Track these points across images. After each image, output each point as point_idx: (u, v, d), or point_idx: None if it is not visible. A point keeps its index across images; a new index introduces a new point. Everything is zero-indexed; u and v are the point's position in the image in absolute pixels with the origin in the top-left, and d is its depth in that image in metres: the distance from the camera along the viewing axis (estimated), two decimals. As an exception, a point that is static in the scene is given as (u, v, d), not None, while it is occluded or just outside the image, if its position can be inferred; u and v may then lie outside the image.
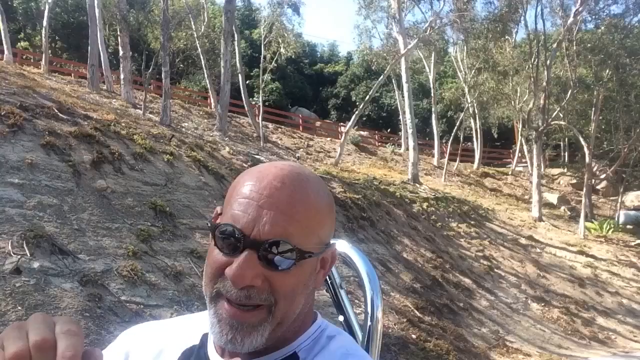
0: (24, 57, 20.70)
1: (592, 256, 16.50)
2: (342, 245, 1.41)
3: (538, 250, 15.90)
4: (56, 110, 8.41)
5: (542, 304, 12.76)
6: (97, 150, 7.83)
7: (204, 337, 0.80)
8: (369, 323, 1.35)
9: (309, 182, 0.72)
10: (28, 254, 5.22)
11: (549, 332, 11.52)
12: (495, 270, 13.46)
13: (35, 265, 5.19)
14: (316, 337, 0.77)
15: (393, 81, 27.23)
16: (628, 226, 20.25)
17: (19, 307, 4.63)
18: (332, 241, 1.39)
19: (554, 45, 20.71)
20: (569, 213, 20.99)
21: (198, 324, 0.83)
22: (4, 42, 15.91)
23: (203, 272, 0.75)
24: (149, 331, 0.87)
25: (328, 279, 1.46)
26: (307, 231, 0.69)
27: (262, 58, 19.87)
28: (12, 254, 5.12)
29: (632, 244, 18.31)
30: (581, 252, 16.49)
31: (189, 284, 6.47)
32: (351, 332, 1.46)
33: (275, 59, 20.50)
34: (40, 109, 8.17)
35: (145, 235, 6.76)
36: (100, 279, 5.50)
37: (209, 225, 0.75)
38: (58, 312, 4.82)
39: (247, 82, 21.48)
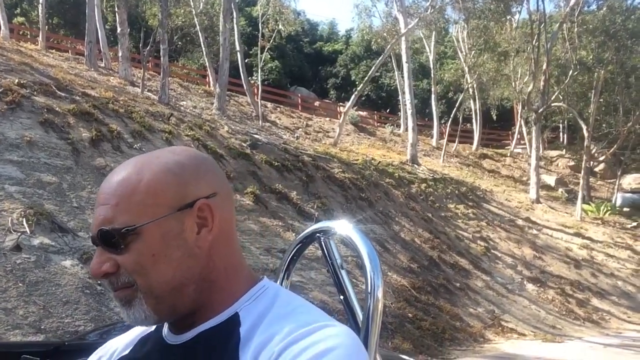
0: (21, 32, 20.49)
1: (589, 238, 16.60)
2: (343, 226, 1.42)
3: (535, 231, 15.99)
4: (54, 88, 8.36)
5: (538, 285, 12.88)
6: (96, 128, 7.82)
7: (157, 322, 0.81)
8: (369, 302, 1.37)
9: (131, 165, 0.76)
10: (28, 231, 5.25)
11: (543, 312, 11.65)
12: (492, 251, 13.55)
13: (36, 242, 5.22)
14: (258, 296, 0.77)
15: (393, 61, 27.04)
16: (625, 209, 20.32)
17: (20, 284, 4.67)
18: (328, 224, 1.37)
19: (556, 27, 20.54)
20: (566, 195, 21.04)
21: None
22: (0, 17, 15.73)
23: None
24: (119, 338, 0.89)
25: (329, 259, 1.49)
26: (126, 210, 0.72)
27: (260, 36, 19.70)
28: (12, 231, 5.15)
29: (629, 226, 18.42)
30: (578, 234, 16.59)
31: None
32: (351, 310, 1.49)
33: (273, 37, 20.32)
34: (38, 86, 8.13)
35: (144, 214, 6.78)
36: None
37: None
38: (58, 289, 4.86)
39: (246, 60, 21.33)
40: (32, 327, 4.28)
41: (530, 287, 12.70)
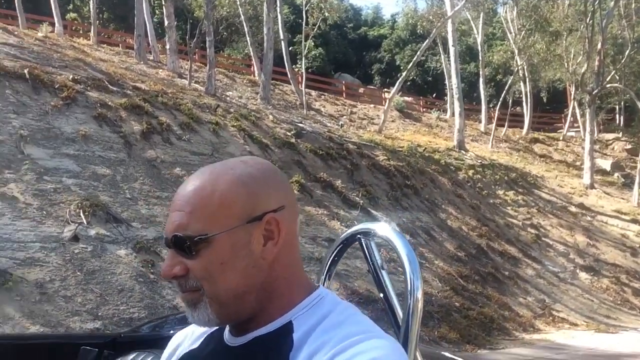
0: (74, 28, 21.23)
1: (646, 225, 15.93)
2: (383, 228, 1.45)
3: (588, 218, 15.46)
4: (107, 83, 8.66)
5: (591, 274, 12.48)
6: (146, 121, 8.06)
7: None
8: (409, 303, 1.40)
9: (206, 174, 0.81)
10: (85, 222, 5.50)
11: (597, 302, 11.30)
12: (543, 238, 13.21)
13: (92, 232, 5.47)
14: (313, 306, 0.81)
15: (439, 44, 26.48)
16: (687, 194, 19.34)
17: (78, 273, 4.91)
18: (368, 225, 1.41)
19: (611, 3, 19.59)
20: (622, 180, 20.20)
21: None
22: (54, 14, 16.35)
23: None
24: (186, 330, 0.97)
25: (369, 260, 1.53)
26: (200, 218, 0.77)
27: (304, 24, 19.69)
28: (70, 222, 5.41)
29: (691, 212, 17.54)
30: (634, 221, 15.93)
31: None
32: (391, 308, 1.53)
33: (317, 24, 20.27)
34: (91, 81, 8.44)
35: (193, 204, 6.97)
36: (152, 245, 5.75)
37: None
38: (114, 277, 5.09)
39: (290, 48, 21.38)
40: (89, 314, 4.51)
41: (583, 275, 12.32)
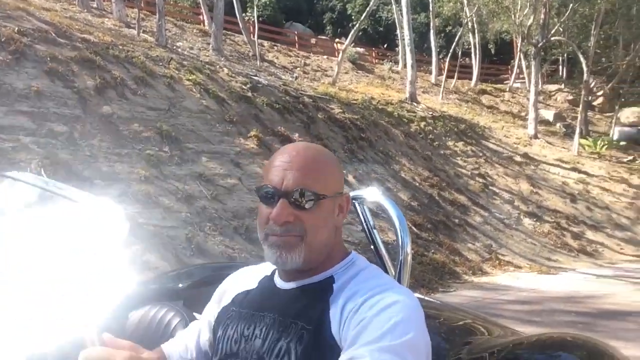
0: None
1: (585, 172, 16.91)
2: (374, 194, 1.66)
3: (532, 167, 16.26)
4: (54, 35, 8.30)
5: (534, 219, 13.28)
6: (99, 76, 7.84)
7: (273, 270, 1.13)
8: (400, 255, 1.62)
9: (316, 149, 1.07)
10: (47, 181, 5.42)
11: (539, 245, 12.09)
12: (490, 187, 13.86)
13: (55, 192, 5.41)
14: (348, 265, 1.07)
15: (391, -6, 26.36)
16: (622, 142, 20.52)
17: (46, 232, 4.90)
18: (359, 192, 1.67)
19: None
20: (564, 130, 21.18)
21: (269, 266, 1.15)
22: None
23: (257, 228, 1.06)
24: (237, 275, 1.23)
25: (363, 221, 1.73)
26: (318, 181, 1.01)
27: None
28: (31, 181, 5.32)
29: (625, 160, 18.70)
30: (574, 169, 16.88)
31: (200, 206, 6.75)
32: (381, 259, 1.76)
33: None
34: (38, 33, 8.06)
35: (154, 160, 6.96)
36: (117, 203, 5.74)
37: (255, 189, 1.06)
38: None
39: (240, -4, 20.76)
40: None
41: (526, 221, 13.09)
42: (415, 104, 17.11)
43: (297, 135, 10.25)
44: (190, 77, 9.77)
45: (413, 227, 9.72)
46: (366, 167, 11.11)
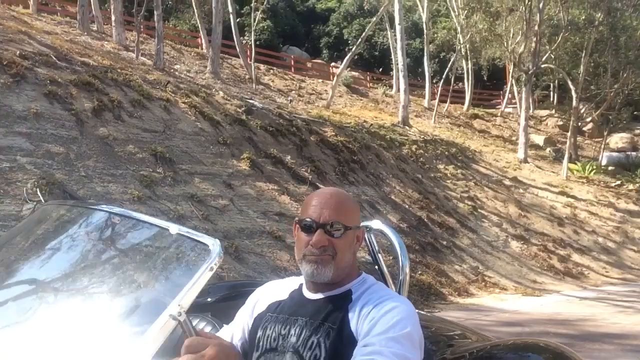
0: (10, -6, 20.22)
1: (573, 196, 17.20)
2: (378, 224, 2.05)
3: (521, 190, 16.54)
4: (54, 58, 8.59)
5: (522, 242, 13.50)
6: (97, 98, 8.11)
7: (301, 285, 1.47)
8: (400, 275, 2.04)
9: (343, 194, 1.46)
10: (42, 201, 5.64)
11: (526, 268, 12.30)
12: (479, 210, 14.11)
13: (50, 210, 5.63)
14: (362, 282, 1.43)
15: (386, 19, 26.94)
16: (610, 167, 20.90)
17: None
18: (367, 223, 2.03)
19: (548, -14, 20.51)
20: (554, 154, 21.54)
21: (294, 281, 1.51)
22: (-10, -20, 15.61)
23: (295, 250, 1.43)
24: (265, 288, 1.55)
25: (370, 247, 2.07)
26: (345, 217, 1.38)
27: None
28: (28, 200, 5.55)
29: (612, 184, 19.01)
30: (562, 193, 17.17)
31: (190, 226, 6.94)
32: (384, 277, 2.11)
33: (266, -3, 20.18)
34: (39, 56, 8.36)
35: (147, 181, 7.19)
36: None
37: (297, 220, 1.42)
38: (75, 253, 5.31)
39: (238, 19, 21.22)
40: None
41: (514, 244, 13.32)
42: (407, 128, 17.45)
43: (289, 157, 10.51)
44: (186, 100, 10.06)
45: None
46: (357, 189, 11.35)
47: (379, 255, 2.02)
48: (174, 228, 1.36)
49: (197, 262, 1.25)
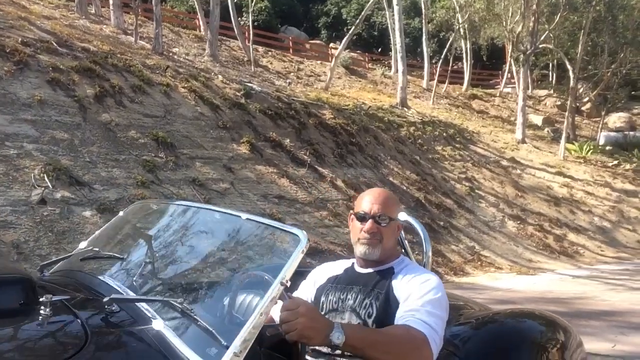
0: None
1: (570, 176, 17.39)
2: (404, 216, 2.43)
3: (518, 171, 16.73)
4: (55, 45, 8.70)
5: (518, 222, 13.73)
6: (99, 84, 8.25)
7: (353, 263, 1.90)
8: (425, 258, 2.42)
9: (389, 193, 1.92)
10: (50, 186, 5.84)
11: (522, 247, 12.54)
12: (476, 191, 14.31)
13: (58, 195, 5.82)
14: (400, 261, 1.84)
15: None
16: (607, 147, 21.05)
17: (50, 233, 5.31)
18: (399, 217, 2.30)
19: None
20: (552, 135, 21.66)
21: (345, 262, 1.95)
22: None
23: (350, 236, 1.84)
24: (324, 267, 1.98)
25: (400, 236, 2.35)
26: (390, 211, 1.79)
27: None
28: (36, 186, 5.73)
29: (610, 164, 19.19)
30: (559, 173, 17.35)
31: (193, 210, 7.15)
32: (409, 258, 2.35)
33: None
34: (40, 43, 8.46)
35: (150, 166, 7.37)
36: (115, 206, 6.16)
37: (354, 213, 1.83)
38: (83, 237, 5.50)
39: (235, 0, 21.14)
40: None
41: (510, 224, 13.55)
42: (405, 109, 17.55)
43: (287, 140, 10.66)
44: (185, 85, 10.18)
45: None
46: (355, 172, 11.53)
47: (405, 241, 2.37)
48: (268, 222, 1.80)
49: (289, 249, 1.59)
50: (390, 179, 12.26)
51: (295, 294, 1.92)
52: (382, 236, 1.78)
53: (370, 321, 1.72)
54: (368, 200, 1.81)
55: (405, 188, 12.28)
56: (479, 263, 10.68)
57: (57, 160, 6.31)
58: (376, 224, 1.77)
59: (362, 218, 1.80)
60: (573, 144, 20.29)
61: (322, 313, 1.77)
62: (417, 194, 12.22)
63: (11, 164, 5.89)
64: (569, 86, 21.75)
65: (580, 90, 23.46)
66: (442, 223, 11.70)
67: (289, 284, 1.48)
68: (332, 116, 13.13)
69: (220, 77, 12.20)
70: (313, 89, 16.91)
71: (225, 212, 2.05)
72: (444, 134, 16.72)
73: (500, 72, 30.18)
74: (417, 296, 1.67)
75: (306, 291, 1.95)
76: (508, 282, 9.27)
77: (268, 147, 10.09)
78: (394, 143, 14.21)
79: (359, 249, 1.80)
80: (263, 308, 1.43)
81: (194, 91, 10.11)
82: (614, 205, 16.43)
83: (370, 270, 1.82)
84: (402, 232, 2.35)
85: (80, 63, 8.44)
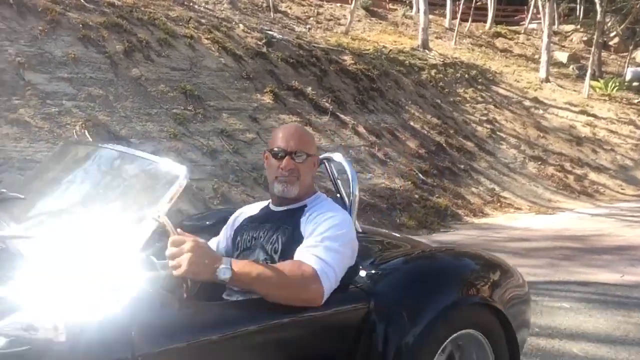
0: None
1: (593, 115, 17.25)
2: (338, 156, 2.48)
3: (541, 111, 16.67)
4: (82, 0, 8.91)
5: (539, 163, 13.88)
6: (127, 39, 8.53)
7: (269, 202, 1.98)
8: (351, 197, 2.42)
9: (304, 129, 2.00)
10: (92, 141, 6.26)
11: (542, 188, 12.76)
12: (497, 133, 14.41)
13: (99, 150, 6.25)
14: (315, 198, 1.89)
15: None
16: (634, 83, 20.62)
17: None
18: (329, 154, 2.49)
19: None
20: (577, 72, 21.25)
21: (264, 203, 2.03)
22: None
23: (267, 174, 1.88)
24: (243, 209, 2.10)
25: (331, 175, 2.52)
26: (306, 147, 1.81)
27: None
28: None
29: (635, 101, 18.91)
30: (583, 112, 17.22)
31: (223, 160, 7.58)
32: (342, 199, 2.53)
33: None
34: (68, 0, 8.70)
35: (180, 119, 7.74)
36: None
37: (266, 150, 1.85)
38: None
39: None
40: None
41: (531, 165, 13.71)
42: (427, 51, 17.42)
43: (309, 88, 10.88)
44: (208, 36, 10.37)
45: (420, 174, 10.46)
46: (376, 117, 11.75)
47: (338, 181, 2.43)
48: (155, 159, 1.76)
49: (171, 183, 1.55)
50: (411, 123, 12.46)
51: (214, 238, 2.07)
52: (300, 173, 1.77)
53: (276, 257, 1.73)
54: (283, 137, 1.78)
55: (426, 132, 12.48)
56: (499, 204, 10.98)
57: (95, 117, 6.72)
58: (293, 161, 1.76)
59: (278, 155, 1.77)
60: (598, 81, 19.93)
61: (237, 252, 1.86)
62: (437, 138, 12.43)
63: (54, 121, 6.32)
64: (595, 20, 21.12)
65: (609, 24, 22.75)
66: (462, 166, 11.94)
67: (160, 219, 1.45)
68: (352, 62, 13.22)
69: (241, 26, 12.32)
70: (333, 34, 16.85)
71: (127, 152, 2.03)
72: (466, 75, 16.64)
73: (525, 7, 29.26)
74: (319, 232, 1.68)
75: (225, 233, 2.03)
76: (526, 222, 9.59)
77: (291, 95, 10.34)
78: (415, 87, 14.28)
79: (277, 187, 1.80)
80: (137, 238, 1.44)
81: (217, 42, 10.31)
82: (637, 144, 16.37)
83: (283, 208, 1.85)
84: (335, 172, 2.45)
85: (107, 18, 8.69)
